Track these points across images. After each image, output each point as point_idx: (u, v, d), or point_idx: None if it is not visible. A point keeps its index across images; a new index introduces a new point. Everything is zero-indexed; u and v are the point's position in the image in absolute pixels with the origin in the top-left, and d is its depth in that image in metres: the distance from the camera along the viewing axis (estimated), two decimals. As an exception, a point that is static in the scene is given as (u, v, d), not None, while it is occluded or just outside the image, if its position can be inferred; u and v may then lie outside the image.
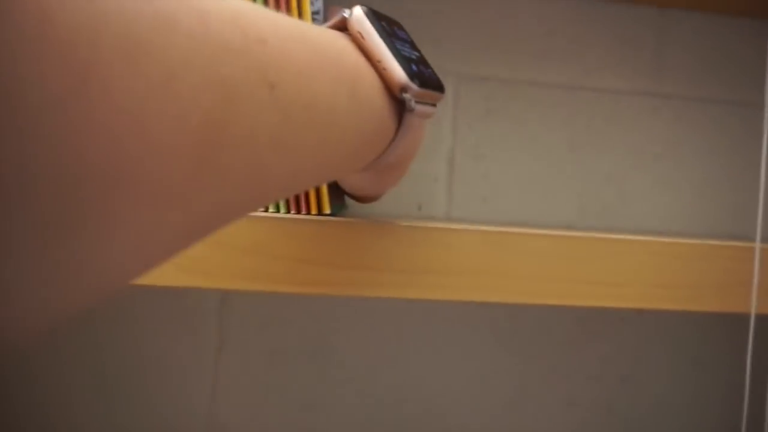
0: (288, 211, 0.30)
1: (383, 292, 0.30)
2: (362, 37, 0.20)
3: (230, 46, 0.13)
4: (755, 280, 0.33)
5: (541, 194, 0.54)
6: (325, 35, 0.19)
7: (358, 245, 0.29)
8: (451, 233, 0.30)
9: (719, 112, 0.56)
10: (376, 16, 0.21)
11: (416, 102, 0.21)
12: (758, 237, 0.35)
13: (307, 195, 0.30)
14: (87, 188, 0.10)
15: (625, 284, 0.32)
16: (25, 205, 0.09)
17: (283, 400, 0.53)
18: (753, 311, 0.32)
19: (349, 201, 0.38)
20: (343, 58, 0.19)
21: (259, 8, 0.16)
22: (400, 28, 0.23)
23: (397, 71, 0.20)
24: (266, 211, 0.30)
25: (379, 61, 0.20)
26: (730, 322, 0.56)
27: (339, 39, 0.20)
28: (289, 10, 0.31)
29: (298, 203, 0.30)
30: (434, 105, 0.23)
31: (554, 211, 0.54)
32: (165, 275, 0.27)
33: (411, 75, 0.20)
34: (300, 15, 0.31)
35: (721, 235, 0.56)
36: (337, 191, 0.31)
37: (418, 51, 0.23)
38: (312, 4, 0.33)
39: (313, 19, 0.33)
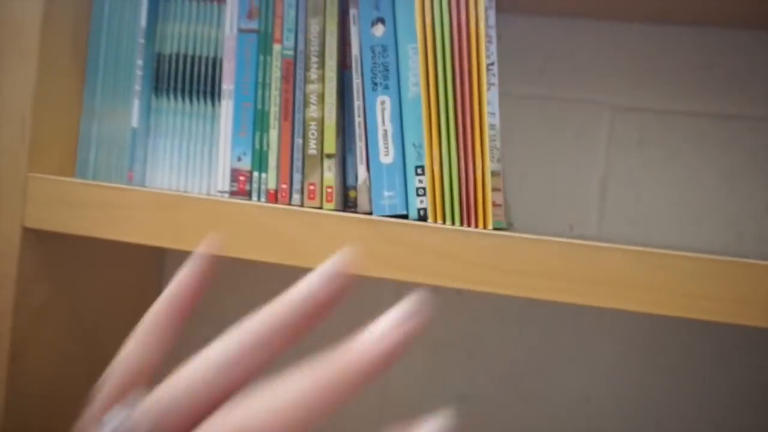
0: (461, 224, 0.40)
1: (540, 294, 0.37)
2: None
3: None
4: None
5: (694, 221, 0.56)
6: None
7: (518, 255, 0.37)
8: (600, 249, 0.36)
9: None
10: None
11: None
12: None
13: (476, 212, 0.39)
14: None
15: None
16: None
17: (442, 390, 0.62)
18: None
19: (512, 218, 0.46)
20: None
21: None
22: None
23: None
24: (444, 223, 0.40)
25: None
26: None
27: None
28: (469, 54, 0.41)
29: (469, 218, 0.39)
30: None
31: (708, 238, 0.56)
32: (357, 265, 0.38)
33: None
34: (478, 60, 0.40)
35: None
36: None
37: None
38: (488, 57, 0.42)
39: (488, 69, 0.41)
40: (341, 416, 0.64)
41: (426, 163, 0.40)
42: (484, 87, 0.39)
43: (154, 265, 0.66)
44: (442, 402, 0.62)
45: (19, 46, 0.43)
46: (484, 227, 0.39)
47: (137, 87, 0.47)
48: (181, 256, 0.68)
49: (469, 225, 0.39)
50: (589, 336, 0.59)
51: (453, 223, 0.40)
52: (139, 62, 0.47)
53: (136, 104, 0.47)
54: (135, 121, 0.47)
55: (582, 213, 0.58)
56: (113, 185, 0.42)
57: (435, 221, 0.40)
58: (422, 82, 0.40)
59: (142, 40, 0.47)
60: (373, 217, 0.40)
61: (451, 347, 0.62)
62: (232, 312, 0.64)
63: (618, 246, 0.37)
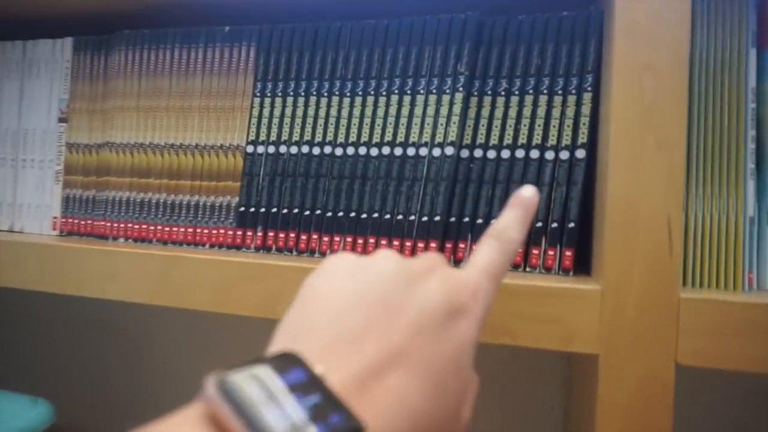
0: None
1: None
2: (223, 418, 0.18)
3: None
4: None
5: None
6: None
7: None
8: None
9: None
10: (235, 388, 0.18)
11: None
12: None
13: None
14: None
15: None
16: None
17: None
18: None
19: None
20: None
21: None
22: (296, 363, 0.19)
23: None
24: None
25: None
26: None
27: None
28: None
29: None
30: None
31: None
32: None
33: None
34: None
35: None
36: None
37: (323, 390, 0.19)
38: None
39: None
40: None
41: None
42: None
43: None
44: None
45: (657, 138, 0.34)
46: None
47: (750, 164, 0.37)
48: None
49: None
50: None
51: None
52: (752, 132, 0.37)
53: (750, 186, 0.37)
54: (750, 208, 0.37)
55: None
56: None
57: None
58: None
59: (753, 105, 0.37)
60: None
61: None
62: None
63: None
